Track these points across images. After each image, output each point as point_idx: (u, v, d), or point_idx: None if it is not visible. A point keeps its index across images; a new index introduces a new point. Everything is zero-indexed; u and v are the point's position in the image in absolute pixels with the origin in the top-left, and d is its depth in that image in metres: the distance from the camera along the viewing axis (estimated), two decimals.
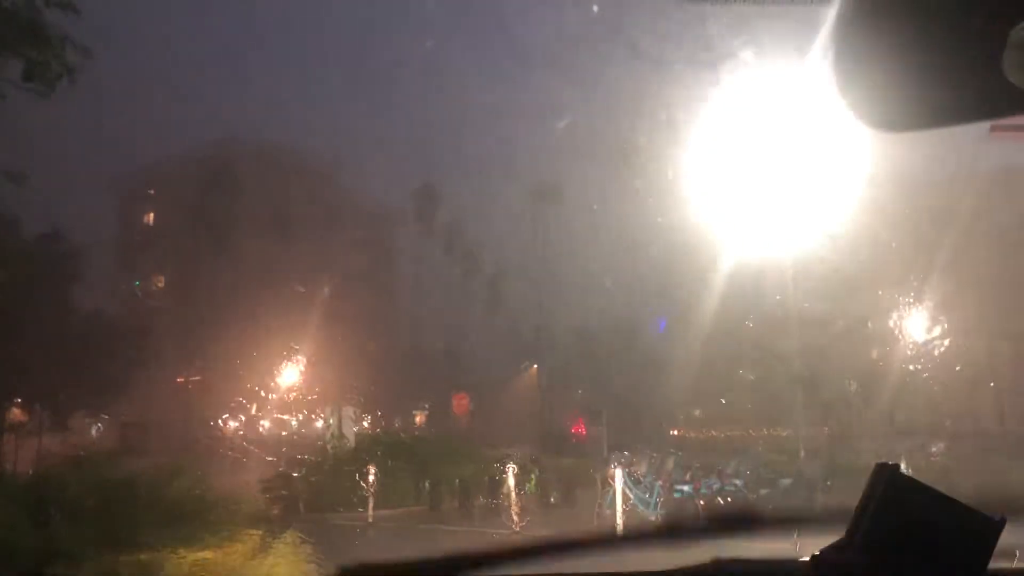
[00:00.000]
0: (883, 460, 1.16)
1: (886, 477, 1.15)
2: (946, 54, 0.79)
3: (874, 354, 15.34)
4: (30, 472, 10.89)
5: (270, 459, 15.03)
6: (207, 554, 5.06)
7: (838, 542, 1.15)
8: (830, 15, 0.78)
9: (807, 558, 1.16)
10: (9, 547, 4.02)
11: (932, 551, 1.09)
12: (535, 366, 25.73)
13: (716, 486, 10.16)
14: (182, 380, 26.02)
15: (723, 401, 18.43)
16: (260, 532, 6.24)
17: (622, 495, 8.84)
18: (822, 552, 1.15)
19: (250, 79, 37.02)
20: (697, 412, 20.66)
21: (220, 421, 22.86)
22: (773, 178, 11.22)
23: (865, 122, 0.83)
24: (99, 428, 23.24)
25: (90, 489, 6.00)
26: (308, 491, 11.56)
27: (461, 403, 20.80)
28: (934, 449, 13.59)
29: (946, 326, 15.11)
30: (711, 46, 10.82)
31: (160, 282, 29.55)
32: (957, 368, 15.83)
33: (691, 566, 1.42)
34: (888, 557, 1.10)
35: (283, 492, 11.32)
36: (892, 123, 0.84)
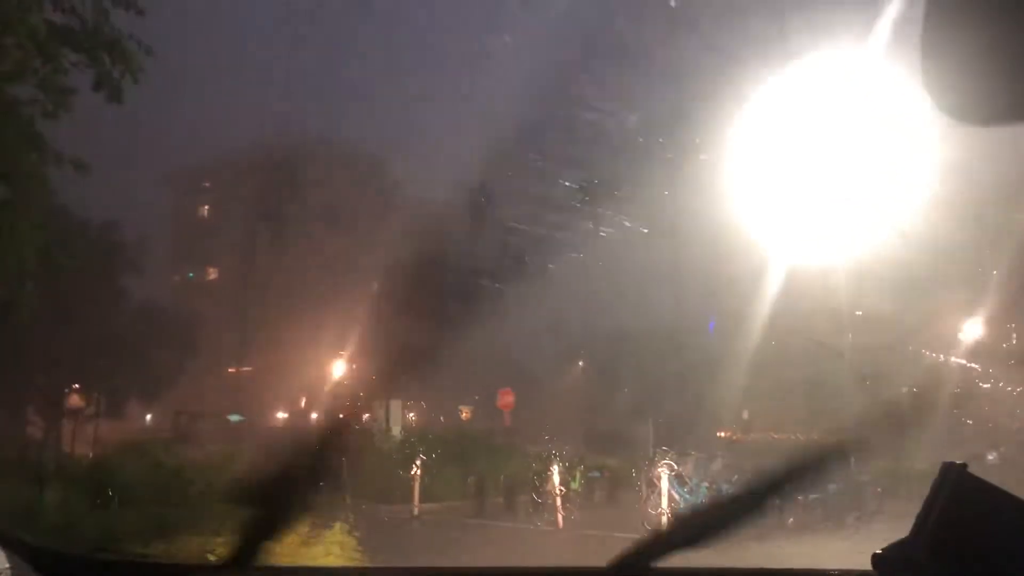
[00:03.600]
0: (948, 461, 1.14)
1: (953, 476, 1.13)
2: None
3: (934, 359, 15.02)
4: (89, 456, 11.18)
5: (318, 452, 15.20)
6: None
7: (902, 540, 1.13)
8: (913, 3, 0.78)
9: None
10: (70, 529, 4.14)
11: (998, 551, 1.06)
12: (581, 364, 25.70)
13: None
14: (234, 371, 26.46)
15: (772, 404, 18.18)
16: (309, 522, 6.33)
17: (667, 496, 8.80)
18: (885, 550, 1.12)
19: (302, 72, 37.38)
20: (745, 414, 20.40)
21: (269, 413, 23.21)
22: (831, 173, 10.97)
23: (949, 113, 0.82)
24: (153, 416, 23.71)
25: (146, 475, 6.14)
26: (355, 483, 11.66)
27: (506, 399, 20.80)
28: (990, 457, 13.26)
29: (1014, 333, 14.74)
30: (766, 35, 10.67)
31: (214, 274, 30.06)
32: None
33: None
34: (953, 555, 1.07)
35: (331, 483, 11.45)
36: (976, 115, 0.83)
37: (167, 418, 23.27)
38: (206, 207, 31.43)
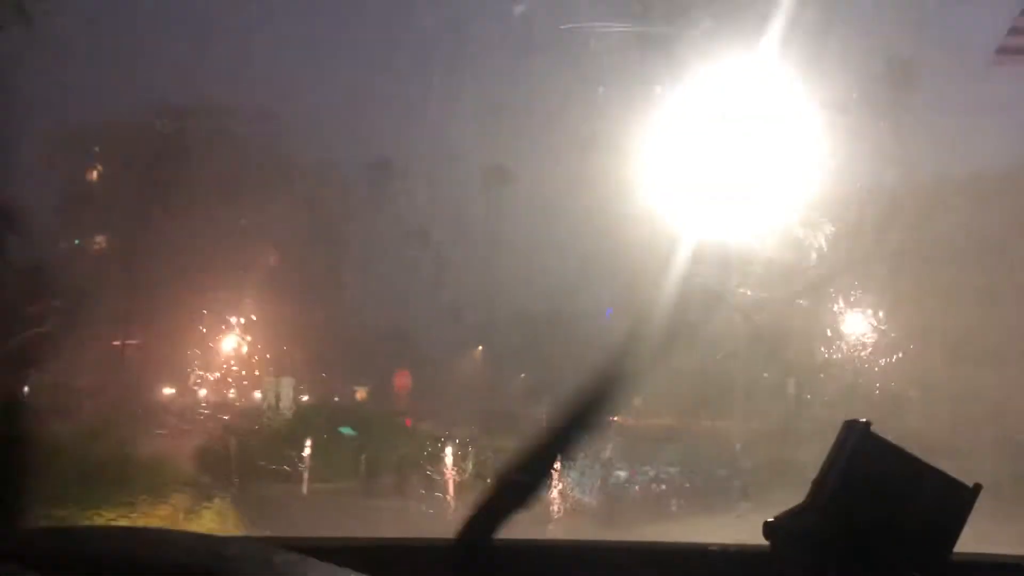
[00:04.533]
0: (851, 419, 1.04)
1: (856, 435, 1.02)
2: None
3: (816, 353, 15.52)
4: None
5: (204, 427, 14.80)
6: (129, 513, 4.92)
7: (796, 507, 1.03)
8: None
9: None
10: None
11: (901, 517, 0.97)
12: (480, 348, 25.69)
13: (652, 473, 10.25)
14: (118, 344, 25.46)
15: (664, 391, 18.53)
16: (187, 496, 6.12)
17: (558, 478, 8.86)
18: (777, 518, 1.02)
19: (197, 37, 36.05)
20: (637, 401, 20.76)
21: (156, 387, 22.42)
22: (727, 164, 11.19)
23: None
24: (28, 388, 22.61)
25: (7, 445, 5.78)
26: (241, 460, 11.37)
27: (402, 381, 20.69)
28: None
29: (891, 333, 15.37)
30: (666, 19, 10.78)
31: (102, 242, 28.83)
32: (893, 373, 16.09)
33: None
34: (852, 522, 0.97)
35: (215, 460, 11.15)
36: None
37: (46, 390, 22.21)
38: (94, 172, 30.06)
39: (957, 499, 0.99)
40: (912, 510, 0.99)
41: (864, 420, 1.01)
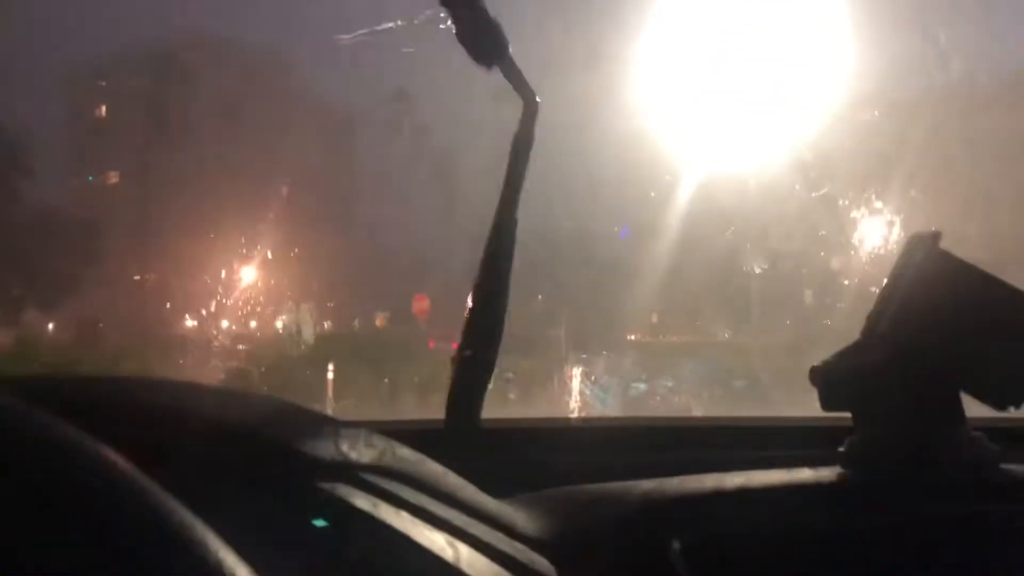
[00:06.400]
0: (917, 231, 0.91)
1: (926, 246, 0.88)
2: None
3: (832, 265, 15.47)
4: None
5: (227, 357, 14.99)
6: None
7: (847, 347, 0.94)
8: None
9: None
10: None
11: (977, 346, 0.86)
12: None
13: (671, 385, 10.37)
14: (138, 278, 25.69)
15: (680, 309, 18.63)
16: None
17: (579, 393, 8.99)
18: (825, 361, 0.91)
19: None
20: (654, 318, 20.88)
21: (177, 319, 22.67)
22: (746, 88, 11.01)
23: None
24: (53, 325, 22.94)
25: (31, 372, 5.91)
26: (265, 388, 11.56)
27: (421, 305, 20.80)
28: None
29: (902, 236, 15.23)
30: None
31: (115, 177, 28.85)
32: None
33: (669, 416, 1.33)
34: (918, 355, 0.87)
35: (238, 387, 11.32)
36: None
37: (70, 326, 22.55)
38: (104, 107, 29.93)
39: None
40: (991, 338, 0.86)
41: (934, 230, 0.87)
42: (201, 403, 0.72)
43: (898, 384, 0.86)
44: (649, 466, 0.97)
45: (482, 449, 1.25)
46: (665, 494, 0.87)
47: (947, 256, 0.85)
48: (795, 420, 1.46)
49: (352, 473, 0.64)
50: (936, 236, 0.86)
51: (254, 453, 0.63)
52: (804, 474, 0.91)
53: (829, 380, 0.92)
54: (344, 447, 0.66)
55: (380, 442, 0.71)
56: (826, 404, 0.92)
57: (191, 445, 0.61)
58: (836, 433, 0.96)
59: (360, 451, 0.67)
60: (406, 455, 0.72)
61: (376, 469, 0.66)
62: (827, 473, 0.91)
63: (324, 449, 0.65)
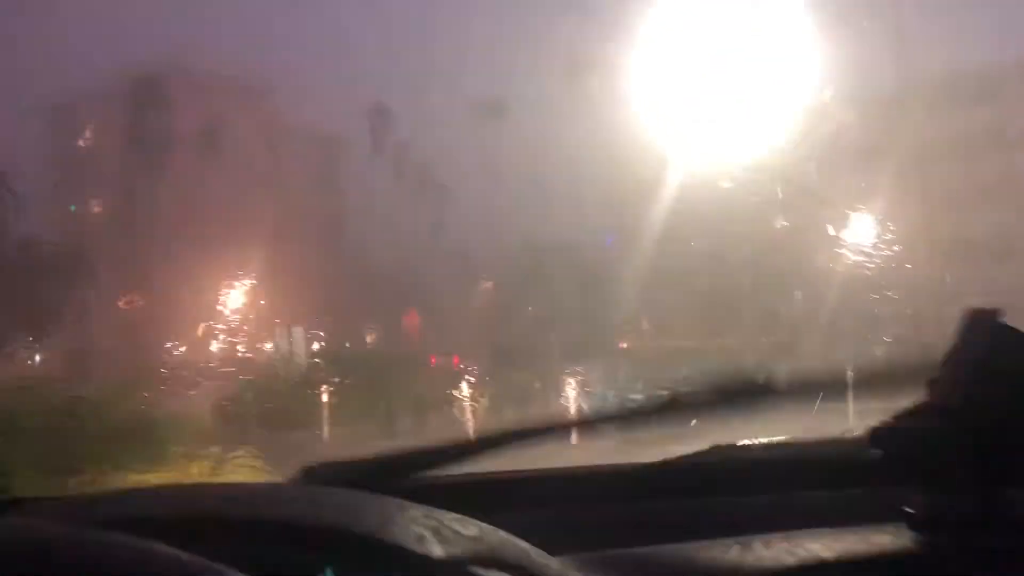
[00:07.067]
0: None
1: (986, 327, 0.91)
2: None
3: (820, 264, 15.53)
4: None
5: (220, 382, 14.90)
6: (161, 473, 4.99)
7: (910, 408, 0.94)
8: None
9: (857, 432, 0.96)
10: None
11: None
12: (489, 283, 25.73)
13: (665, 394, 10.34)
14: (125, 306, 25.52)
15: (670, 315, 18.66)
16: (214, 451, 6.19)
17: (575, 405, 8.97)
18: (884, 422, 0.93)
19: None
20: (645, 325, 20.90)
21: (166, 346, 22.53)
22: (724, 90, 11.12)
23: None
24: (41, 356, 22.75)
25: (33, 413, 5.85)
26: (261, 412, 11.48)
27: (411, 321, 20.78)
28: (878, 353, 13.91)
29: (891, 234, 15.32)
30: None
31: (98, 206, 28.69)
32: (897, 272, 16.09)
33: (688, 454, 1.29)
34: (983, 422, 0.89)
35: (235, 414, 11.24)
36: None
37: (58, 357, 22.36)
38: (86, 136, 29.77)
39: None
40: None
41: (993, 308, 0.90)
42: (278, 509, 0.71)
43: (968, 452, 0.88)
44: (691, 515, 0.99)
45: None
46: (743, 567, 0.89)
47: (1011, 330, 0.89)
48: (806, 447, 1.46)
49: (463, 569, 0.63)
50: (998, 312, 0.89)
51: (369, 558, 0.62)
52: (879, 540, 0.92)
53: (897, 444, 0.95)
54: (444, 539, 0.66)
55: (471, 527, 0.71)
56: (889, 467, 0.95)
57: (306, 556, 0.60)
58: (851, 465, 1.01)
59: (460, 542, 0.67)
60: (498, 539, 0.72)
61: (481, 560, 0.65)
62: (900, 539, 0.92)
63: (428, 545, 0.65)
